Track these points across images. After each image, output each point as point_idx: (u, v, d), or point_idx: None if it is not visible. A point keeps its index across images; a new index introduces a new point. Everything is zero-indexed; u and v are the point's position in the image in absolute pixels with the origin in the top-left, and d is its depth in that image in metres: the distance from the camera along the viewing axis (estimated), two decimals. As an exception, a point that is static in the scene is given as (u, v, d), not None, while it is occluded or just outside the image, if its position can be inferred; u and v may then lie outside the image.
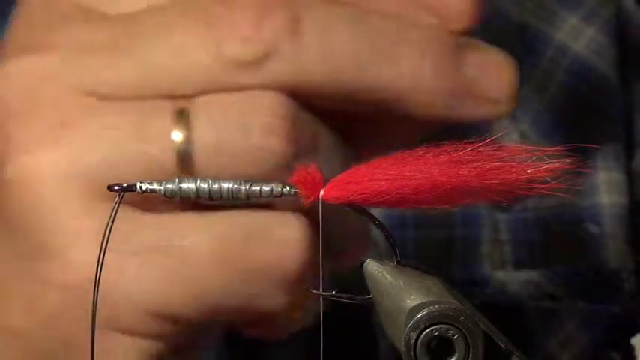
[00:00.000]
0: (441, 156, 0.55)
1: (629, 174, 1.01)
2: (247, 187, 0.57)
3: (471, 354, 0.51)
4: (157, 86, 0.66)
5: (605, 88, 1.01)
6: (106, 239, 0.57)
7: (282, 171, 0.64)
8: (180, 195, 0.57)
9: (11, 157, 0.66)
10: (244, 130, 0.65)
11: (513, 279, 0.96)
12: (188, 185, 0.57)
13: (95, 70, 0.66)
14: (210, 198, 0.57)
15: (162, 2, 0.67)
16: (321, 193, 0.56)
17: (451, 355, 0.52)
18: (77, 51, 0.67)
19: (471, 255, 0.96)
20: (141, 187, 0.57)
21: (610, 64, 1.01)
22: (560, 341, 0.98)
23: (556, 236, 0.99)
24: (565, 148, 0.55)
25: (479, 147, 0.55)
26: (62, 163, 0.65)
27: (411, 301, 0.53)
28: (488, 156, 0.55)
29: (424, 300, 0.53)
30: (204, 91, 0.66)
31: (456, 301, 0.53)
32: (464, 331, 0.51)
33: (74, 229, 0.65)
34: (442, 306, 0.51)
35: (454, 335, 0.51)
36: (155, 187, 0.57)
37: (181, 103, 0.65)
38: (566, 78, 1.00)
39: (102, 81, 0.66)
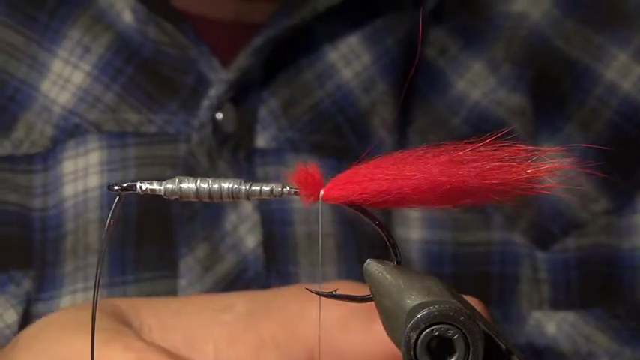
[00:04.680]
0: (441, 156, 0.55)
1: None
2: (247, 187, 0.57)
3: (471, 354, 0.51)
4: None
5: None
6: (106, 239, 0.57)
7: None
8: (180, 195, 0.57)
9: None
10: None
11: (550, 319, 0.95)
12: (188, 185, 0.57)
13: None
14: (210, 198, 0.57)
15: None
16: (321, 193, 0.56)
17: (451, 355, 0.52)
18: None
19: (509, 293, 0.95)
20: (141, 187, 0.57)
21: None
22: None
23: (594, 277, 0.98)
24: (567, 148, 0.55)
25: (479, 147, 0.55)
26: None
27: (411, 301, 0.53)
28: (488, 156, 0.55)
29: (424, 300, 0.53)
30: None
31: (455, 301, 0.53)
32: (464, 331, 0.51)
33: None
34: (442, 306, 0.51)
35: (454, 335, 0.51)
36: (155, 187, 0.57)
37: None
38: (613, 117, 0.98)
39: None
